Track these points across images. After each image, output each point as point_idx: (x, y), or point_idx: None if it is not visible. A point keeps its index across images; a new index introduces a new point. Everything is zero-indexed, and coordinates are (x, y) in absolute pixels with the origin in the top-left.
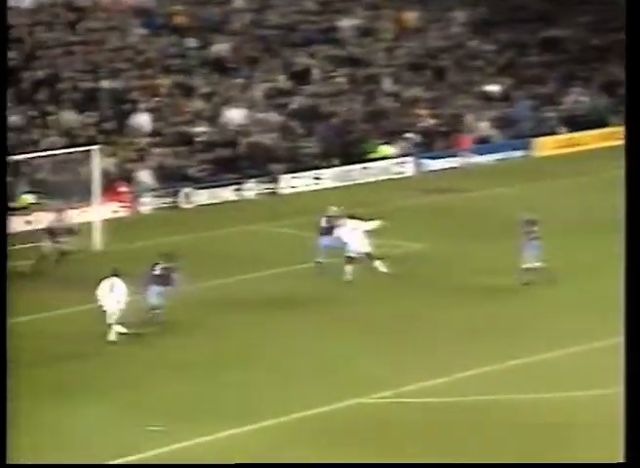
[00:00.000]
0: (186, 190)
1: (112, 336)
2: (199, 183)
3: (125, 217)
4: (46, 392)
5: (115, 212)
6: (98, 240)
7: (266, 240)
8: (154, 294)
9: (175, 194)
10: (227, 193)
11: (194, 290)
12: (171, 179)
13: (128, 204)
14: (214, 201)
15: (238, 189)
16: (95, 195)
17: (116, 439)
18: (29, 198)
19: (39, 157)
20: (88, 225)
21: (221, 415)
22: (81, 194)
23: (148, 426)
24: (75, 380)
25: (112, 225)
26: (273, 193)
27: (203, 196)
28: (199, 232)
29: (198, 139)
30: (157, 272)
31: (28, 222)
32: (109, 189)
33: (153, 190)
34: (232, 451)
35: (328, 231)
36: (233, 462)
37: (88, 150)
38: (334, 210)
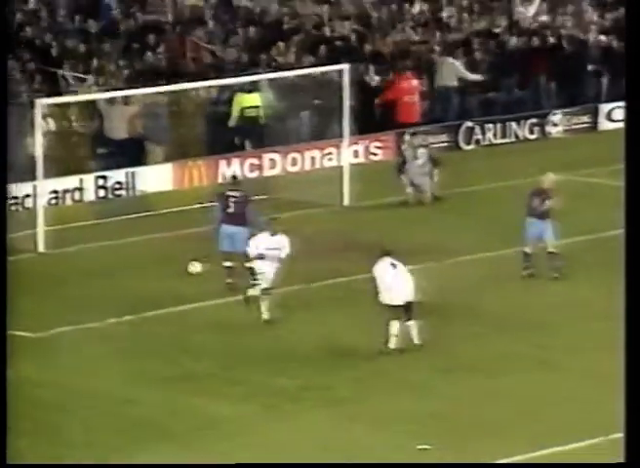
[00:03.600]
0: (468, 124)
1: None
2: (487, 115)
3: (381, 163)
4: None
5: (372, 155)
6: (346, 193)
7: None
8: None
9: (454, 130)
10: (523, 130)
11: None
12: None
13: (389, 144)
14: (505, 140)
15: (539, 124)
16: (344, 131)
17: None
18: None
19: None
20: (333, 172)
21: None
22: (322, 131)
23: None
24: None
25: (365, 173)
26: (591, 129)
27: (490, 133)
28: (483, 183)
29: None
30: None
31: (256, 167)
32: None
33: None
34: None
35: None
36: None
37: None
38: None
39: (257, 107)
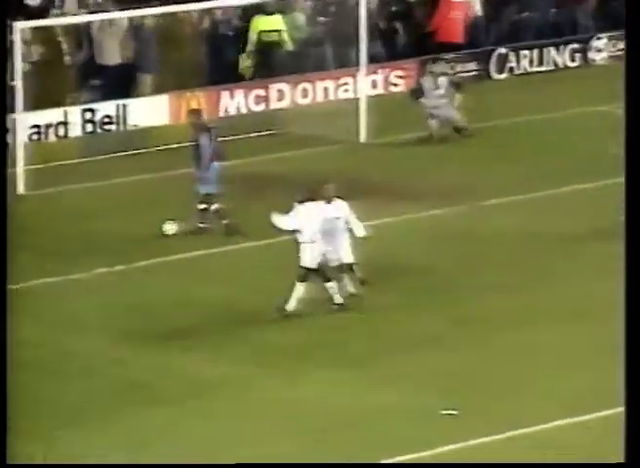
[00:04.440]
0: (501, 51)
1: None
2: (517, 41)
3: (402, 94)
4: None
5: (393, 85)
6: (363, 128)
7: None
8: None
9: (484, 58)
10: (563, 56)
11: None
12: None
13: (412, 73)
14: (542, 68)
15: (581, 50)
16: (361, 58)
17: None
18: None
19: None
20: (348, 105)
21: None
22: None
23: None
24: None
25: (384, 106)
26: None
27: (525, 60)
28: (517, 116)
29: None
30: None
31: (262, 99)
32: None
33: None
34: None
35: None
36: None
37: None
38: None
39: (278, 31)
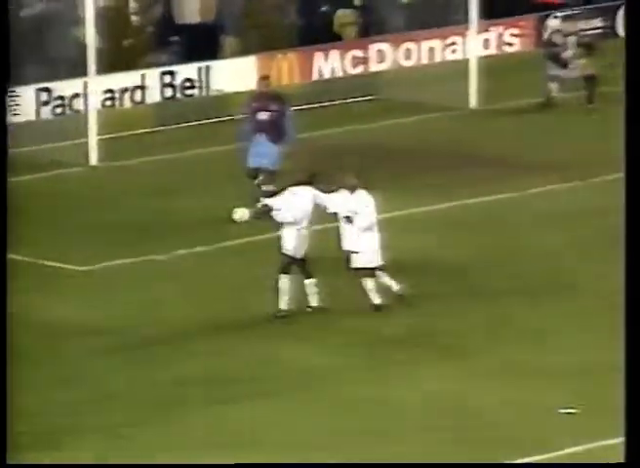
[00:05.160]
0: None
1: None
2: None
3: (518, 55)
4: None
5: (507, 45)
6: (473, 93)
7: None
8: None
9: (610, 13)
10: None
11: None
12: None
13: (528, 31)
14: None
15: None
16: (471, 15)
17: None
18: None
19: None
20: (457, 67)
21: None
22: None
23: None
24: None
25: (497, 68)
26: None
27: None
28: None
29: None
30: None
31: (360, 60)
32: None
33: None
34: None
35: None
36: None
37: None
38: None
39: None
